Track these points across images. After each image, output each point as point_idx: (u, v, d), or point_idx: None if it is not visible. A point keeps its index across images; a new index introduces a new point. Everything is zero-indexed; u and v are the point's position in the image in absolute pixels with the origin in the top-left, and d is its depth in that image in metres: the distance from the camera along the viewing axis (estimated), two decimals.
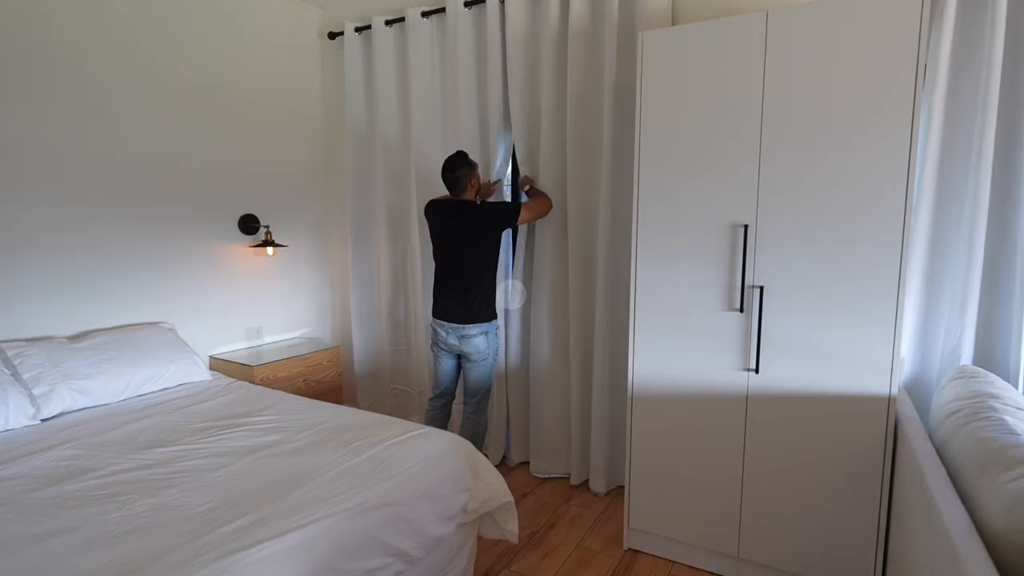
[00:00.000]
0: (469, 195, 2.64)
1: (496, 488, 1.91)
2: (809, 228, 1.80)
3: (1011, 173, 1.88)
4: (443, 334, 2.63)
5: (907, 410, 1.80)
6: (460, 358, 2.73)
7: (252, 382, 2.80)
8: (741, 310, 1.92)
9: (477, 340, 2.58)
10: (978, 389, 1.66)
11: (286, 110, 3.30)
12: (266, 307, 3.27)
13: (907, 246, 1.69)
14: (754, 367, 1.92)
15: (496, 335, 2.65)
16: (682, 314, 2.03)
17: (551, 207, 2.64)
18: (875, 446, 1.77)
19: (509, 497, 1.93)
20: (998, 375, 1.91)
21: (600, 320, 2.60)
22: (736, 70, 1.86)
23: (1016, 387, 1.89)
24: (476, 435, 2.69)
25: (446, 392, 2.79)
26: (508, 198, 3.01)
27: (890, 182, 1.69)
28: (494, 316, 2.62)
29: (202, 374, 2.57)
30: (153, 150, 2.71)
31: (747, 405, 1.96)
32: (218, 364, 2.96)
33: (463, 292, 2.57)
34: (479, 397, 2.67)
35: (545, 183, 2.68)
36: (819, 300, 1.80)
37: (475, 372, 2.64)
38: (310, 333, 3.54)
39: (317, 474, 1.65)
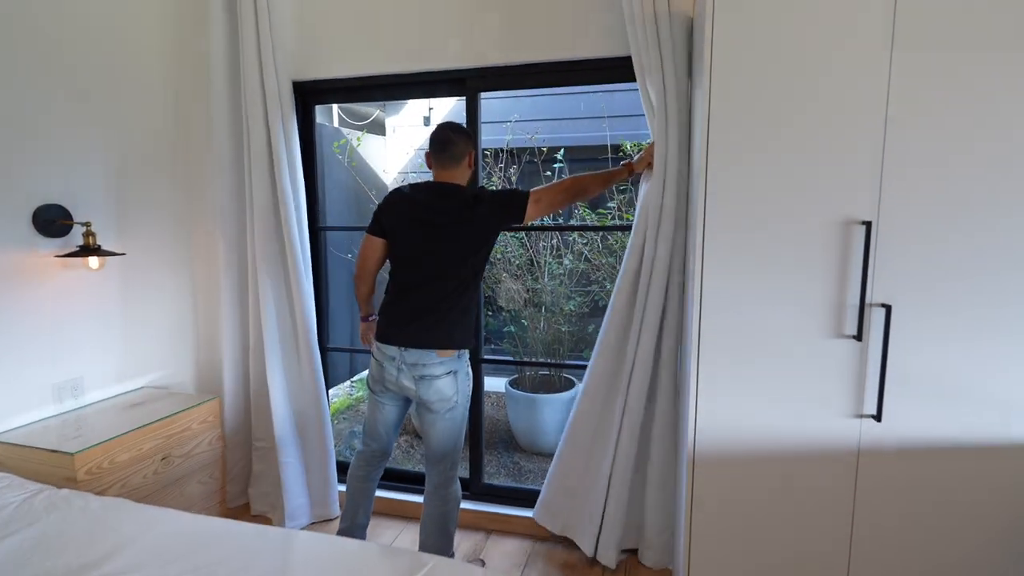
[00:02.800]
0: (462, 177, 1.86)
1: None
2: (964, 224, 1.34)
3: None
4: (391, 370, 1.83)
5: None
6: (412, 404, 1.95)
7: (73, 482, 1.71)
8: (858, 337, 1.42)
9: (442, 383, 1.80)
10: None
11: (114, 43, 2.16)
12: (89, 347, 2.12)
13: None
14: (874, 412, 1.43)
15: (468, 374, 1.90)
16: (766, 344, 1.48)
17: (578, 191, 1.91)
18: None
19: None
20: None
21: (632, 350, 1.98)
22: None
23: None
24: (447, 516, 1.91)
25: (382, 451, 2.00)
26: None
27: None
28: (467, 344, 1.85)
29: None
30: None
31: (858, 463, 1.47)
32: (5, 452, 1.80)
33: (426, 308, 1.80)
34: (446, 464, 1.90)
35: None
36: (973, 321, 1.36)
37: (439, 428, 1.85)
38: (162, 380, 2.42)
39: None
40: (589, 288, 3.55)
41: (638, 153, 2.05)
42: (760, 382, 1.50)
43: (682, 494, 1.65)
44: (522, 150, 3.54)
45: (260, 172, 2.25)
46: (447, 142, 1.83)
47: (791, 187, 1.42)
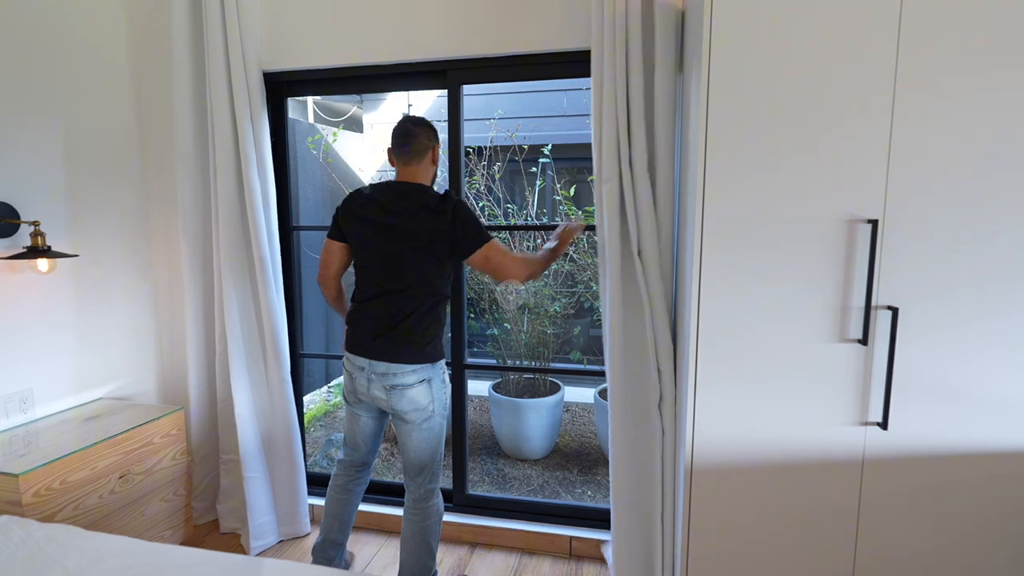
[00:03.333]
0: (425, 174, 1.75)
1: None
2: (975, 222, 1.27)
3: None
4: (361, 381, 1.73)
5: None
6: (386, 415, 1.85)
7: (18, 506, 1.56)
8: (864, 341, 1.35)
9: (415, 392, 1.70)
10: None
11: (65, 28, 2.00)
12: (40, 357, 1.96)
13: None
14: (880, 420, 1.37)
15: (444, 381, 1.79)
16: (767, 349, 1.41)
17: (531, 273, 1.78)
18: None
19: None
20: None
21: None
22: None
23: None
24: (428, 531, 1.80)
25: (362, 461, 1.90)
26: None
27: None
28: (440, 355, 1.76)
29: None
30: None
31: (863, 473, 1.40)
32: None
33: (396, 318, 1.69)
34: (425, 476, 1.79)
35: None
36: (983, 324, 1.30)
37: (416, 439, 1.75)
38: (121, 390, 2.27)
39: None
40: (574, 289, 3.47)
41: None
42: (760, 389, 1.42)
43: (679, 506, 1.57)
44: (506, 148, 3.44)
45: (226, 169, 2.11)
46: (407, 135, 1.71)
47: (793, 184, 1.34)
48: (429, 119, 1.83)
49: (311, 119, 4.17)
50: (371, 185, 1.79)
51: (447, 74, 2.09)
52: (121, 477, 1.87)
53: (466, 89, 2.13)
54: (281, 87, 2.28)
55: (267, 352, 2.20)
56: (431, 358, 1.71)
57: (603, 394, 3.27)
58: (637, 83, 1.75)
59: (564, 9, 1.89)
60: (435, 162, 1.76)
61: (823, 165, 1.32)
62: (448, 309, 1.79)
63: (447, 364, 1.85)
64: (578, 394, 4.05)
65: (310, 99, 4.22)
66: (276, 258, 2.20)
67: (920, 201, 1.29)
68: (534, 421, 3.25)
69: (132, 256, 2.27)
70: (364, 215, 1.71)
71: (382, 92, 3.47)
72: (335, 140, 3.72)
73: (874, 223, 1.31)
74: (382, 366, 1.68)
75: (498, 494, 2.90)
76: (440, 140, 1.80)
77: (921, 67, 1.26)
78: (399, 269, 1.67)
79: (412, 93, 4.13)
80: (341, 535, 1.91)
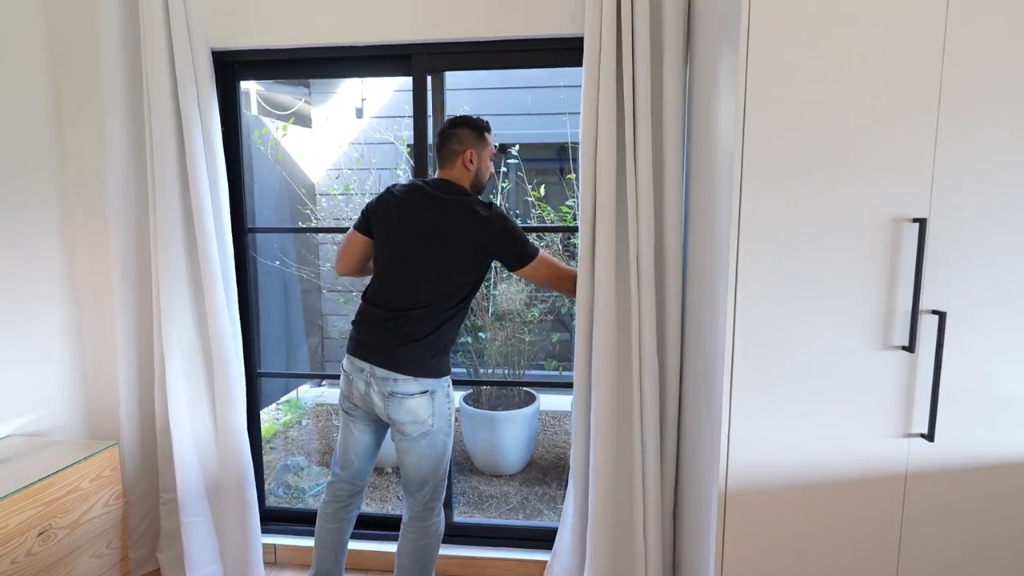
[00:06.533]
0: (460, 175, 1.62)
1: None
2: None
3: None
4: (359, 385, 1.58)
5: None
6: (384, 428, 1.70)
7: None
8: (910, 348, 1.26)
9: (415, 402, 1.55)
10: None
11: None
12: None
13: None
14: (926, 431, 1.29)
15: (448, 396, 1.63)
16: (807, 358, 1.29)
17: (569, 288, 1.71)
18: None
19: None
20: None
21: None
22: None
23: None
24: (424, 550, 1.65)
25: (350, 480, 1.71)
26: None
27: None
28: (447, 369, 1.62)
29: None
30: None
31: (906, 488, 1.32)
32: None
33: (405, 323, 1.55)
34: (426, 493, 1.63)
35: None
36: None
37: (415, 454, 1.59)
38: (36, 424, 1.89)
39: None
40: (549, 294, 3.32)
41: None
42: (798, 401, 1.31)
43: (711, 531, 1.44)
44: None
45: (166, 160, 1.81)
46: (441, 137, 1.63)
47: (834, 182, 1.24)
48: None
49: (254, 111, 3.80)
50: (404, 184, 1.67)
51: (411, 59, 1.87)
52: (41, 534, 1.53)
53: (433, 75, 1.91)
54: (232, 69, 1.99)
55: (215, 373, 1.90)
56: (438, 372, 1.58)
57: None
58: (644, 73, 1.62)
59: None
60: (468, 167, 1.62)
61: (867, 160, 1.23)
62: (461, 321, 1.64)
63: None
64: (546, 402, 3.90)
65: (253, 90, 3.84)
66: (228, 265, 1.91)
67: (967, 198, 1.22)
68: (510, 434, 3.07)
69: (48, 264, 1.91)
70: (393, 214, 1.60)
71: (340, 77, 3.17)
72: (285, 135, 3.39)
73: (922, 222, 1.22)
74: (383, 371, 1.54)
75: (488, 520, 2.69)
76: (488, 143, 1.65)
77: (970, 46, 1.18)
78: (417, 278, 1.55)
79: (367, 87, 3.86)
80: (336, 566, 1.73)
